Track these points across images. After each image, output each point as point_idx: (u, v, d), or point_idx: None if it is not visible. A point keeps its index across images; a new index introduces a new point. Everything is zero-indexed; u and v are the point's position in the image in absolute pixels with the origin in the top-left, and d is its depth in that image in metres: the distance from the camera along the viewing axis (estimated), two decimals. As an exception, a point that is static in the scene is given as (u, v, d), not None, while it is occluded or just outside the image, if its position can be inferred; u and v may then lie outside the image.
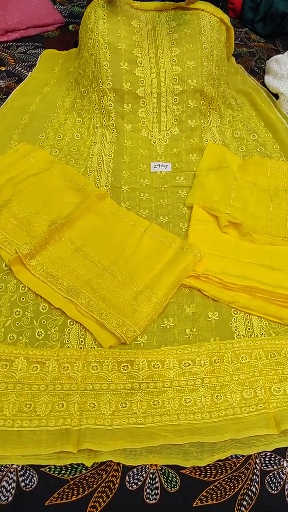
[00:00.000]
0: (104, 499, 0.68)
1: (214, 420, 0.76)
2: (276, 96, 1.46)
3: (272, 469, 0.72)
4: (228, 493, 0.69)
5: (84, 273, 0.93)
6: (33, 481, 0.69)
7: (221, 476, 0.71)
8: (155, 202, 1.12)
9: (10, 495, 0.68)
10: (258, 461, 0.73)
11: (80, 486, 0.69)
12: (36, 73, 1.47)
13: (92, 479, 0.70)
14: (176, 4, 1.20)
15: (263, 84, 1.51)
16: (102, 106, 1.25)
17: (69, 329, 0.87)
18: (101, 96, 1.23)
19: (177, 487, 0.70)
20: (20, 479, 0.69)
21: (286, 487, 0.70)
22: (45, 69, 1.50)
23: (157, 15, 1.21)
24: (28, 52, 1.58)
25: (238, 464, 0.72)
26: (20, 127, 1.28)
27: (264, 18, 1.74)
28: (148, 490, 0.69)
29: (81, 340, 0.85)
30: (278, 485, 0.70)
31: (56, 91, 1.40)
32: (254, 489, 0.70)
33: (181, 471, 0.71)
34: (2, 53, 1.55)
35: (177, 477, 0.71)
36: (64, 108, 1.34)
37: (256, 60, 1.64)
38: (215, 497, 0.69)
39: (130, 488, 0.69)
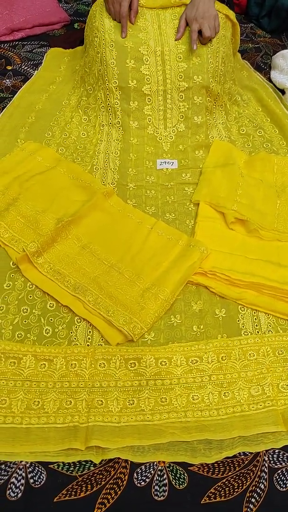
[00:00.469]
0: (113, 495, 0.68)
1: (222, 417, 0.76)
2: (282, 91, 1.45)
3: (281, 466, 0.72)
4: (236, 490, 0.69)
5: (91, 270, 0.94)
6: (41, 477, 0.70)
7: (229, 473, 0.71)
8: (161, 199, 1.12)
9: (19, 491, 0.68)
10: (266, 458, 0.72)
11: (89, 482, 0.69)
12: (42, 72, 1.48)
13: (101, 476, 0.70)
14: (181, 2, 1.20)
15: (269, 80, 1.51)
16: (108, 104, 1.25)
17: (76, 327, 0.87)
18: (107, 94, 1.23)
19: (185, 484, 0.70)
20: (29, 475, 0.70)
21: (295, 484, 0.70)
22: (51, 67, 1.50)
23: (162, 12, 1.21)
24: (34, 51, 1.58)
25: (246, 462, 0.72)
26: (26, 125, 1.28)
27: (269, 13, 1.72)
28: (156, 487, 0.69)
29: (89, 338, 0.86)
30: (287, 482, 0.70)
31: (62, 90, 1.41)
32: (262, 486, 0.69)
33: (189, 468, 0.71)
34: (9, 52, 1.56)
35: (185, 474, 0.71)
36: (70, 106, 1.34)
37: (262, 55, 1.63)
38: (223, 494, 0.69)
39: (138, 484, 0.69)
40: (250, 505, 0.68)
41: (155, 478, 0.70)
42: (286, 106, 1.39)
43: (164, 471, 0.71)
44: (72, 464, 0.71)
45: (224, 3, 1.27)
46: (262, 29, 1.77)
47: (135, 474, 0.70)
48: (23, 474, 0.70)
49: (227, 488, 0.69)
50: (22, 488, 0.68)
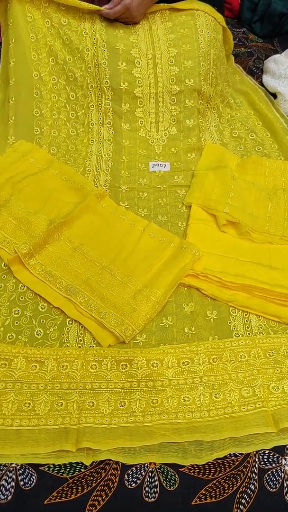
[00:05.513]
0: (103, 497, 0.68)
1: (213, 418, 0.76)
2: (274, 95, 1.46)
3: (271, 467, 0.72)
4: (226, 491, 0.69)
5: (83, 272, 0.94)
6: (32, 480, 0.69)
7: (220, 474, 0.71)
8: (153, 201, 1.13)
9: (9, 494, 0.68)
10: (256, 459, 0.73)
11: (79, 484, 0.69)
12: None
13: (91, 478, 0.70)
14: (169, 6, 1.20)
15: (261, 84, 1.52)
16: (99, 104, 1.24)
17: (68, 328, 0.87)
18: (99, 94, 1.23)
19: (176, 486, 0.70)
20: (19, 478, 0.69)
21: (285, 485, 0.70)
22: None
23: (152, 16, 1.21)
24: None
25: (237, 463, 0.72)
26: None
27: (262, 18, 1.73)
28: (147, 489, 0.69)
29: (80, 339, 0.85)
30: (277, 483, 0.70)
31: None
32: (252, 487, 0.70)
33: (179, 469, 0.71)
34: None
35: (176, 476, 0.71)
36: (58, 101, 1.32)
37: (254, 60, 1.64)
38: (213, 495, 0.69)
39: (129, 486, 0.69)
40: (240, 506, 0.68)
41: (146, 480, 0.70)
42: (277, 110, 1.40)
43: (155, 472, 0.71)
44: (62, 466, 0.71)
45: (214, 7, 1.27)
46: (254, 34, 1.78)
47: (126, 476, 0.70)
48: (13, 477, 0.69)
49: (218, 489, 0.69)
50: (12, 490, 0.68)
